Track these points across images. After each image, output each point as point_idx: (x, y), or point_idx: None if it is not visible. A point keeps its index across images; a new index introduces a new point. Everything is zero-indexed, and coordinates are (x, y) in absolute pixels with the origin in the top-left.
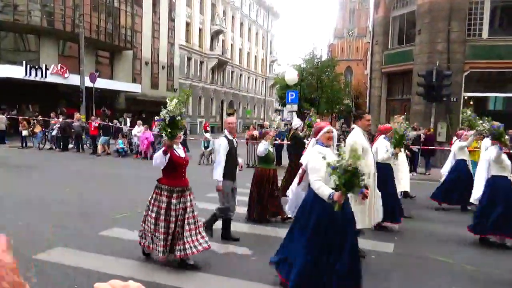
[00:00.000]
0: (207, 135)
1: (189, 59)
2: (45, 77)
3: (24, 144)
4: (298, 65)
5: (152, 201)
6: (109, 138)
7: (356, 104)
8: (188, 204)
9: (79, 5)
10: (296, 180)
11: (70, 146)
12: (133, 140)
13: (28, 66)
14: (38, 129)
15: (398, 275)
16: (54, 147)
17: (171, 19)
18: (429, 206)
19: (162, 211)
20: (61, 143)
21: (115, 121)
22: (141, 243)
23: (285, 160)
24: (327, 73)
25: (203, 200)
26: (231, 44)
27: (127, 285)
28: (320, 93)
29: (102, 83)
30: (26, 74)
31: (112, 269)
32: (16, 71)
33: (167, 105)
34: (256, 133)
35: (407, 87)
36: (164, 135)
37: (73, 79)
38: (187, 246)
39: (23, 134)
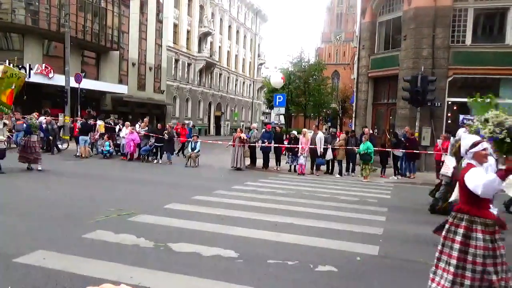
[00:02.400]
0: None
1: (176, 60)
2: (29, 77)
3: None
4: (285, 69)
5: (457, 238)
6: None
7: (343, 108)
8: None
9: (65, 5)
10: None
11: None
12: (119, 141)
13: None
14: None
15: (382, 278)
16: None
17: (159, 21)
18: (414, 208)
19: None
20: (45, 145)
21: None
22: None
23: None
24: (314, 77)
25: (188, 203)
26: (219, 47)
27: None
28: (308, 97)
29: (88, 84)
30: None
31: (95, 273)
32: None
33: (487, 117)
34: (243, 135)
35: (393, 91)
36: (497, 152)
37: (58, 80)
38: None
39: None
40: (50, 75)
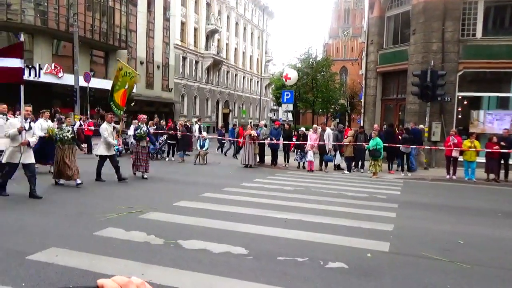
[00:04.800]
0: (204, 133)
1: (184, 58)
2: (39, 76)
3: None
4: (293, 65)
5: None
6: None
7: (351, 104)
8: None
9: (73, 4)
10: None
11: None
12: (128, 140)
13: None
14: None
15: (393, 274)
16: None
17: (166, 19)
18: (425, 204)
19: None
20: None
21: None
22: None
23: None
24: (322, 73)
25: (197, 200)
26: (226, 44)
27: (130, 281)
28: (316, 93)
29: (97, 83)
30: None
31: (107, 269)
32: None
33: None
34: (254, 133)
35: (402, 86)
36: None
37: (67, 79)
38: None
39: None
40: (60, 75)
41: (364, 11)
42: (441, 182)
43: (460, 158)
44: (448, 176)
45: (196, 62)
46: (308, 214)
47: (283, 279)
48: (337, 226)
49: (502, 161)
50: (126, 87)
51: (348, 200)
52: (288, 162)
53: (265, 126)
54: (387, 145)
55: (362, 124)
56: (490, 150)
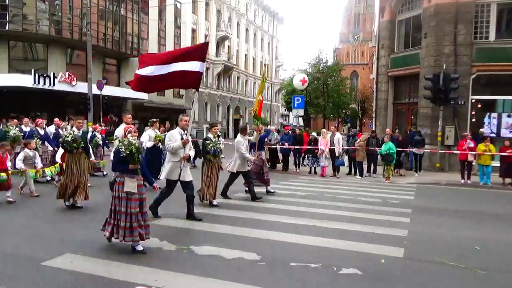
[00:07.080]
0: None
1: None
2: (53, 85)
3: None
4: (304, 70)
5: None
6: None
7: (362, 109)
8: None
9: (86, 14)
10: None
11: None
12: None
13: (37, 75)
14: None
15: (408, 280)
16: None
17: (177, 26)
18: (439, 209)
19: None
20: None
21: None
22: None
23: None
24: (333, 78)
25: (209, 206)
26: (237, 50)
27: None
28: (326, 98)
29: (109, 91)
30: (34, 82)
31: (121, 275)
32: (25, 80)
33: None
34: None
35: (414, 90)
36: None
37: (81, 87)
38: None
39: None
40: (73, 83)
41: (374, 15)
42: (455, 187)
43: (474, 162)
44: (462, 181)
45: (207, 69)
46: (321, 220)
47: (296, 286)
48: (351, 232)
49: None
50: (263, 94)
51: (361, 205)
52: (298, 168)
53: (278, 131)
54: (400, 149)
55: (374, 129)
56: (504, 154)
